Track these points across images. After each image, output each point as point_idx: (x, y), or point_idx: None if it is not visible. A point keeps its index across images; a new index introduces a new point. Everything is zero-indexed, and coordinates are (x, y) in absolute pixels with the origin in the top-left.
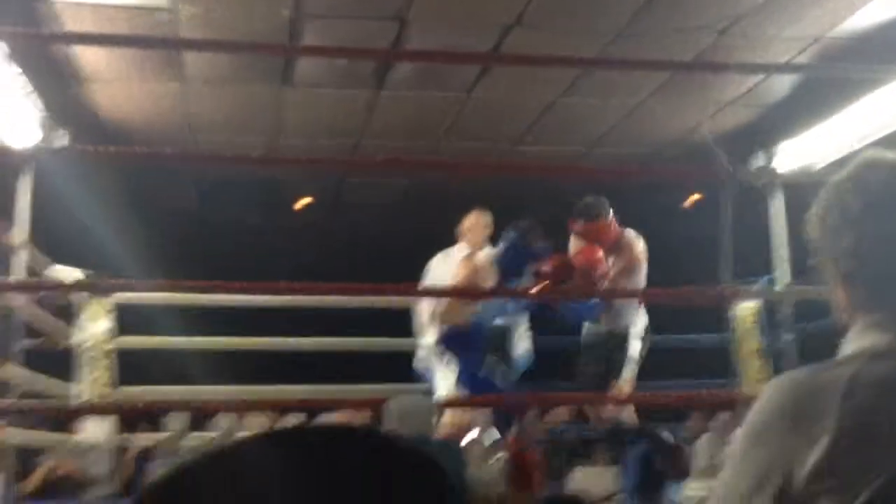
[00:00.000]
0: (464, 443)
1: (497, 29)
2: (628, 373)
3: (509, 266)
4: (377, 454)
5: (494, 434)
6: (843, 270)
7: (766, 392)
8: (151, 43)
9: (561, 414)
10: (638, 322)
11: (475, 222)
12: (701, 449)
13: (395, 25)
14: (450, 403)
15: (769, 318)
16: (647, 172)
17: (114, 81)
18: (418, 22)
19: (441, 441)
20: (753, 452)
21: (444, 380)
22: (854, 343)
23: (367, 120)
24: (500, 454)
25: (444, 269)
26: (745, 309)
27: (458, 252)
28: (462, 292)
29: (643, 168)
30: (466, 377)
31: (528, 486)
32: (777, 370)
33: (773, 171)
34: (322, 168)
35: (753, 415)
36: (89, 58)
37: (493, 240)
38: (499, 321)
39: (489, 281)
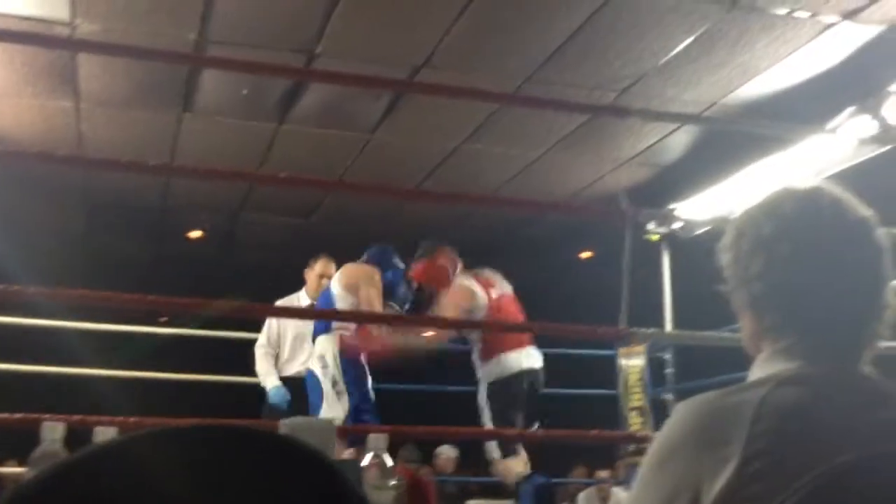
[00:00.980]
0: (363, 463)
1: (406, 68)
2: (486, 419)
3: (404, 297)
4: (276, 453)
5: (390, 460)
6: (752, 296)
7: (674, 415)
8: (44, 43)
9: (446, 464)
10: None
11: (322, 271)
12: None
13: (303, 58)
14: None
15: (652, 376)
16: (550, 208)
17: (3, 96)
18: (326, 56)
19: (339, 460)
20: (661, 475)
21: (334, 410)
22: (762, 369)
23: (267, 154)
24: (399, 478)
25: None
26: (631, 366)
27: (301, 299)
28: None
29: (547, 204)
30: (360, 409)
31: None
32: (657, 423)
33: (673, 215)
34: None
35: (661, 437)
36: None
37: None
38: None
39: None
